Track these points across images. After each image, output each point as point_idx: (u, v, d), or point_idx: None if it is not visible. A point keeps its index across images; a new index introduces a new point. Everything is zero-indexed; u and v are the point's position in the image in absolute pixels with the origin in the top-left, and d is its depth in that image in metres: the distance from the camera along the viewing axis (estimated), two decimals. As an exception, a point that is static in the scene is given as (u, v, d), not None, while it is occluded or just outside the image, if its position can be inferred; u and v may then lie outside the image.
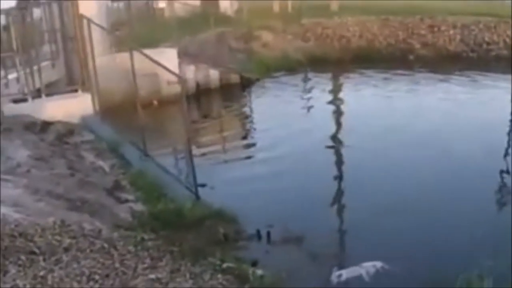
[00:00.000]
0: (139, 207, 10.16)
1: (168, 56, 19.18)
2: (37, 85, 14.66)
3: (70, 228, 8.45)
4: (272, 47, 24.52)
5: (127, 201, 10.38)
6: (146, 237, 8.62)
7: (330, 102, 19.23)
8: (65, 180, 10.55)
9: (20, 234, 7.83)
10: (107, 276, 6.77)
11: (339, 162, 13.82)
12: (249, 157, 14.51)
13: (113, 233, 8.61)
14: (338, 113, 17.97)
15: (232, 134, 16.76)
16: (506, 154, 13.52)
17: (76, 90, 14.79)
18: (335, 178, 12.76)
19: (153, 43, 19.72)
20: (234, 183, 12.33)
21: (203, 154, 14.46)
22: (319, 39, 25.16)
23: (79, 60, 15.08)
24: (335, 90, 21.05)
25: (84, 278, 6.61)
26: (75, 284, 6.40)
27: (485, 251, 7.89)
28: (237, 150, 15.26)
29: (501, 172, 12.38)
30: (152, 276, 6.90)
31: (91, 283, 6.50)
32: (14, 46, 14.57)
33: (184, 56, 20.31)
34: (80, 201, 9.81)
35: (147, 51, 18.26)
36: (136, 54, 13.38)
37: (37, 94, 14.35)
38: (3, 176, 10.13)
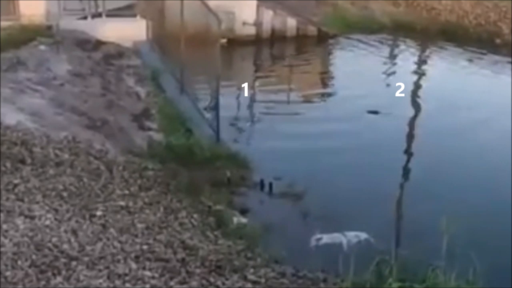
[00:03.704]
0: (158, 136, 10.29)
1: (246, -3, 19.22)
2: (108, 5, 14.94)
3: (77, 145, 8.67)
4: (360, 7, 24.08)
5: (149, 129, 10.55)
6: (150, 166, 8.72)
7: (402, 70, 18.67)
8: (94, 99, 10.78)
9: (22, 143, 8.05)
10: (79, 195, 6.89)
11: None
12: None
13: (119, 157, 8.75)
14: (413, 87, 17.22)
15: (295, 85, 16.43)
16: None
17: (135, 15, 14.98)
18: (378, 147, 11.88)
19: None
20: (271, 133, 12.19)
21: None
22: (410, 6, 24.58)
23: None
24: (411, 60, 20.51)
25: (53, 193, 6.75)
26: (38, 197, 6.53)
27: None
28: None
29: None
30: (122, 203, 6.96)
31: (56, 199, 6.63)
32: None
33: (266, 0, 20.19)
34: (101, 121, 9.99)
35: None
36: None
37: (98, 13, 14.61)
38: (34, 86, 10.45)
